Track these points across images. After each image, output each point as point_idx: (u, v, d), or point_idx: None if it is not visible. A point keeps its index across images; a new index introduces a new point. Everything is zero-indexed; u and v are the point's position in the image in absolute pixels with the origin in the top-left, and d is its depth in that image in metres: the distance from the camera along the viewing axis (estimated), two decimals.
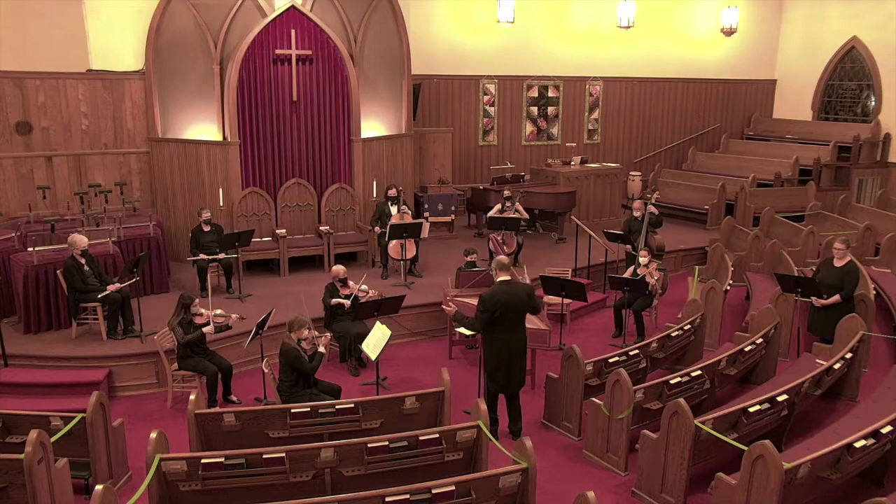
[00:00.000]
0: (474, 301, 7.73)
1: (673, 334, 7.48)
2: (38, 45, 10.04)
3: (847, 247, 8.13)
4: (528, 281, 8.26)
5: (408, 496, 4.30)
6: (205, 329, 7.03)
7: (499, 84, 14.65)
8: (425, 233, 10.11)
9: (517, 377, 6.32)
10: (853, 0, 15.03)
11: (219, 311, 7.27)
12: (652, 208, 10.06)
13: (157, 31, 10.24)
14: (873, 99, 15.14)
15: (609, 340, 8.93)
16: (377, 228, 10.12)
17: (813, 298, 7.95)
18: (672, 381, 6.24)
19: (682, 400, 5.39)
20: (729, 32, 15.48)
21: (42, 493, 4.78)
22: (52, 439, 5.04)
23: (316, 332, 6.92)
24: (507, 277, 6.21)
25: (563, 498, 5.59)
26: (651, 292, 8.67)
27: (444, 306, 7.52)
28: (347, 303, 7.94)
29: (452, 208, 12.44)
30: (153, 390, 7.57)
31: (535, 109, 15.04)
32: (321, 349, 6.53)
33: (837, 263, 8.03)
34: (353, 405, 5.66)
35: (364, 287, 8.15)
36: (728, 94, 16.68)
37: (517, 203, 10.97)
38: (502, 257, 6.37)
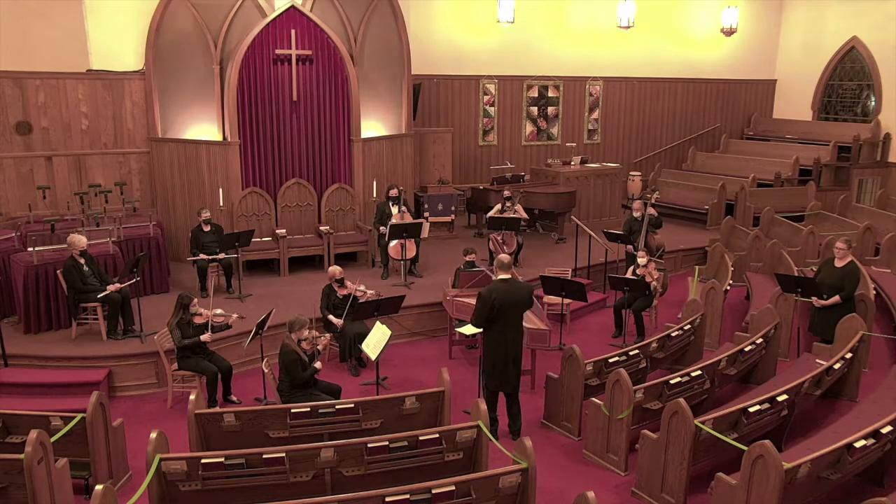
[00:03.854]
0: (473, 301, 7.73)
1: (673, 334, 7.48)
2: (38, 45, 10.04)
3: (849, 247, 8.10)
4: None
5: (408, 496, 4.30)
6: (202, 337, 7.02)
7: (499, 84, 14.65)
8: (425, 233, 10.12)
9: (514, 376, 6.32)
10: (853, 0, 15.03)
11: (218, 311, 7.26)
12: (652, 210, 10.06)
13: (157, 31, 10.24)
14: (873, 99, 15.14)
15: (609, 340, 8.93)
16: (382, 228, 10.10)
17: (813, 299, 7.95)
18: (672, 381, 6.24)
19: (682, 400, 5.39)
20: (729, 32, 15.48)
21: (42, 493, 4.78)
22: (52, 439, 5.04)
23: (316, 333, 6.93)
24: (508, 276, 6.22)
25: (563, 498, 5.59)
26: (651, 292, 8.68)
27: (446, 297, 7.48)
28: (340, 322, 7.93)
29: (452, 208, 12.44)
30: (153, 390, 7.57)
31: (535, 109, 15.04)
32: (317, 364, 6.51)
33: (838, 263, 8.01)
34: (353, 405, 5.65)
35: (362, 287, 8.14)
36: (728, 94, 16.68)
37: (517, 203, 10.97)
38: (504, 256, 6.39)
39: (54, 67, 10.14)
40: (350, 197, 10.98)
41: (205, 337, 7.04)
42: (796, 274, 8.73)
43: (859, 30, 15.06)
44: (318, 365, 6.51)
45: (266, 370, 6.70)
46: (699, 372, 6.47)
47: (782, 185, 14.26)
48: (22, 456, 4.64)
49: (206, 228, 9.46)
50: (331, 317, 7.99)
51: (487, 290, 6.17)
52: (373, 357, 6.79)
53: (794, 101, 16.51)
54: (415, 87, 12.44)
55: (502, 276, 6.22)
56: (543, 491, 5.43)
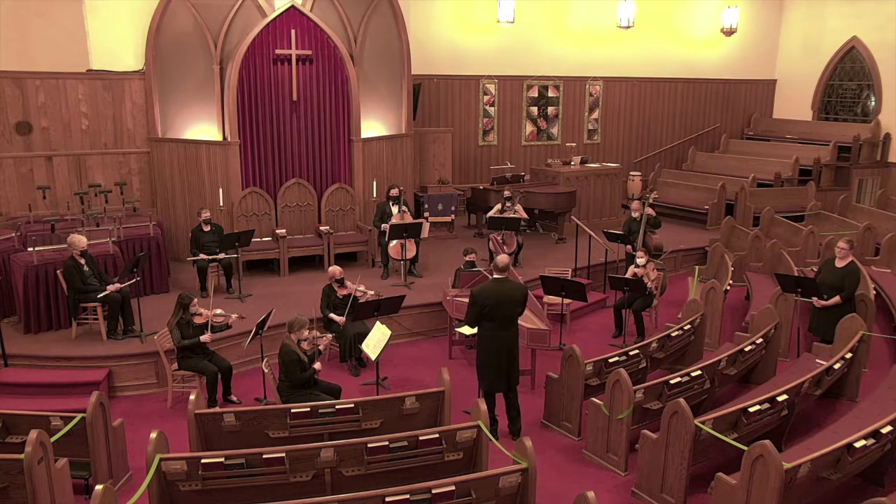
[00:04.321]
0: None
1: (673, 334, 7.48)
2: (38, 45, 10.04)
3: (851, 247, 8.07)
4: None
5: (408, 496, 4.30)
6: (202, 338, 7.02)
7: (499, 84, 14.65)
8: (425, 233, 10.11)
9: (506, 376, 6.31)
10: (853, 0, 15.03)
11: (218, 311, 7.26)
12: (650, 209, 10.06)
13: (157, 31, 10.24)
14: (873, 99, 15.15)
15: (609, 340, 8.92)
16: (385, 226, 10.09)
17: (814, 299, 7.94)
18: (672, 381, 6.24)
19: (682, 400, 5.39)
20: (729, 32, 15.49)
21: (42, 493, 4.78)
22: (52, 439, 5.04)
23: (317, 332, 6.93)
24: (502, 277, 6.23)
25: (563, 498, 5.59)
26: (651, 292, 8.68)
27: (446, 297, 7.59)
28: (342, 319, 7.92)
29: (452, 208, 12.44)
30: (153, 390, 7.57)
31: (535, 109, 15.04)
32: (317, 365, 6.52)
33: (839, 264, 7.99)
34: (353, 405, 5.66)
35: (362, 288, 8.14)
36: (728, 94, 16.68)
37: (517, 203, 10.96)
38: (502, 257, 6.38)
39: (54, 67, 10.14)
40: (350, 197, 10.97)
41: (204, 338, 7.03)
42: (796, 274, 8.72)
43: (859, 30, 15.06)
44: (317, 366, 6.51)
45: (266, 370, 6.70)
46: (699, 372, 6.47)
47: (782, 185, 14.26)
48: (22, 456, 4.64)
49: (206, 228, 9.46)
50: (332, 315, 7.99)
51: (479, 290, 6.20)
52: (373, 357, 6.79)
53: (794, 101, 16.51)
54: (415, 87, 12.44)
55: (497, 276, 6.23)
56: (543, 491, 5.43)
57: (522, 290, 6.38)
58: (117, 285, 7.88)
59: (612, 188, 13.33)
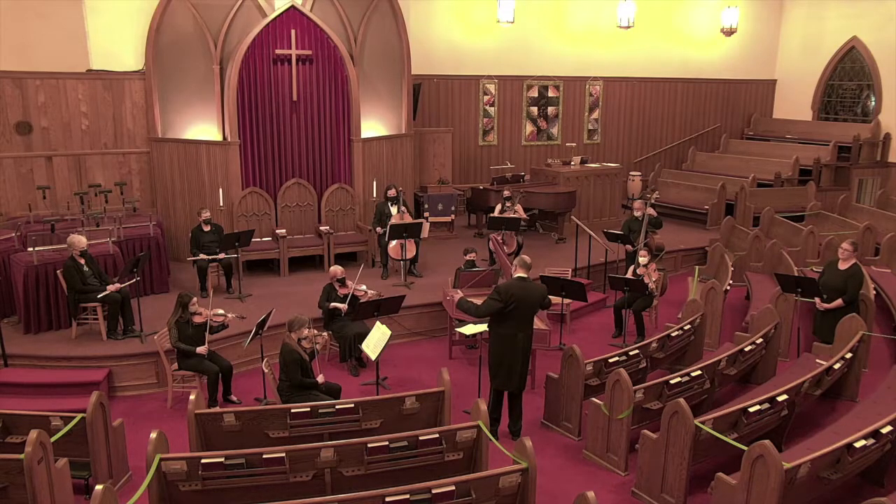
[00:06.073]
0: (473, 301, 7.73)
1: (673, 334, 7.48)
2: (38, 45, 10.04)
3: (855, 249, 8.00)
4: None
5: (408, 496, 4.30)
6: (199, 349, 6.99)
7: (499, 84, 14.65)
8: (425, 233, 10.12)
9: (518, 375, 6.33)
10: (853, 0, 15.03)
11: (220, 311, 7.26)
12: (651, 210, 10.06)
13: (157, 31, 10.24)
14: (873, 99, 15.14)
15: (609, 340, 8.93)
16: (378, 229, 10.11)
17: (816, 301, 7.92)
18: (672, 381, 6.24)
19: (682, 400, 5.39)
20: (729, 32, 15.48)
21: (42, 493, 4.78)
22: (52, 439, 5.04)
23: (315, 332, 6.93)
24: (525, 275, 6.25)
25: (563, 498, 5.59)
26: (651, 292, 8.68)
27: (446, 297, 7.81)
28: (344, 307, 7.92)
29: (452, 208, 12.44)
30: (153, 390, 7.57)
31: (535, 109, 15.04)
32: (320, 378, 6.51)
33: (842, 266, 7.92)
34: (353, 405, 5.66)
35: (363, 287, 8.14)
36: (728, 94, 16.68)
37: (517, 203, 10.97)
38: (525, 257, 6.41)
39: (54, 67, 10.13)
40: (350, 197, 10.97)
41: (201, 349, 7.01)
42: (796, 274, 8.72)
43: (859, 30, 15.06)
44: (320, 379, 6.51)
45: (266, 370, 6.70)
46: (699, 372, 6.47)
47: (782, 185, 14.26)
48: (22, 456, 4.64)
49: (206, 228, 9.45)
50: (334, 304, 7.98)
51: (506, 285, 6.22)
52: (373, 357, 6.80)
53: (794, 101, 16.51)
54: (415, 87, 12.44)
55: (520, 273, 6.24)
56: (543, 491, 5.43)
57: (543, 290, 6.45)
58: (117, 285, 7.87)
59: (612, 188, 13.33)
